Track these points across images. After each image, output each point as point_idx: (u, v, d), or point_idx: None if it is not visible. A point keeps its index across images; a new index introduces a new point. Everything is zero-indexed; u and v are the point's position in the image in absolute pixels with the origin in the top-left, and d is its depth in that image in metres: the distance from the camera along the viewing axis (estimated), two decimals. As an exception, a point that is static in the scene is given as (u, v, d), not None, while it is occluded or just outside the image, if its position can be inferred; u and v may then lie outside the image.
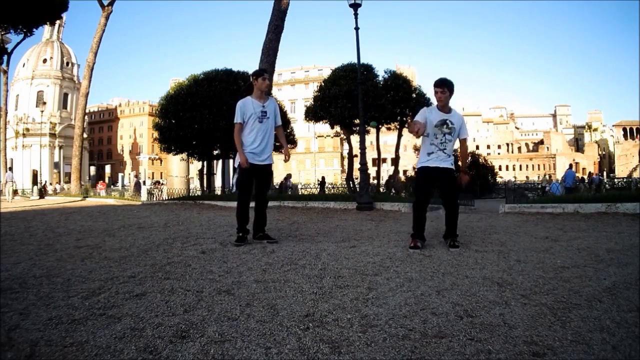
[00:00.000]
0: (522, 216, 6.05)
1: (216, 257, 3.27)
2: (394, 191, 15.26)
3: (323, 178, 23.34)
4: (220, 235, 4.54)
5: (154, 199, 17.71)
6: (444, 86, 3.49)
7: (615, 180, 29.83)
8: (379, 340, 1.60)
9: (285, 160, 4.27)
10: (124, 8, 63.81)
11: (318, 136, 62.78)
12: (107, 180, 42.80)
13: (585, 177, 27.98)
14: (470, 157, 29.26)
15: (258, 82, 3.88)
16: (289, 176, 21.16)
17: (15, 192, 21.42)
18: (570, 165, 21.22)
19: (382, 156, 21.51)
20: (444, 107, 3.53)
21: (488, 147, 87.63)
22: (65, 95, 58.81)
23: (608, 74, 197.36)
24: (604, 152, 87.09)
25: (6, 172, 22.61)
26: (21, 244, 4.08)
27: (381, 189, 17.22)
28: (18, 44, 26.31)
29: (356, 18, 8.73)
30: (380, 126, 15.26)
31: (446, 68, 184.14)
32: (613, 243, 3.58)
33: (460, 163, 3.93)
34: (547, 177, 53.20)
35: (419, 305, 2.01)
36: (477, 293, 2.18)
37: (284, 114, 17.52)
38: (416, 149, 29.31)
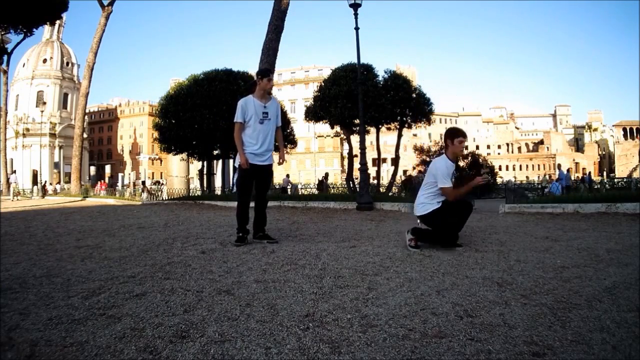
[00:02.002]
0: (522, 216, 6.05)
1: (216, 257, 3.27)
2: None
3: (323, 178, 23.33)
4: (220, 235, 4.54)
5: (153, 198, 17.69)
6: (466, 137, 3.57)
7: (615, 180, 29.86)
8: (379, 340, 1.60)
9: (280, 163, 4.21)
10: (124, 8, 63.89)
11: (318, 136, 62.80)
12: (107, 180, 42.80)
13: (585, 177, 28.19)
14: (470, 157, 29.32)
15: (263, 83, 3.84)
16: (326, 175, 21.42)
17: (18, 192, 21.89)
18: (559, 165, 21.43)
19: (382, 156, 21.49)
20: (456, 157, 3.58)
21: (488, 147, 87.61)
22: (65, 95, 58.82)
23: (608, 74, 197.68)
24: (604, 152, 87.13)
25: (10, 173, 22.99)
26: (21, 244, 4.08)
27: (381, 189, 17.21)
28: (18, 44, 26.32)
29: (356, 18, 8.73)
30: (380, 126, 15.25)
31: (446, 68, 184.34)
32: (613, 243, 3.58)
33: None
34: (547, 177, 53.17)
35: (419, 305, 2.01)
36: (477, 293, 2.18)
37: (284, 114, 17.52)
38: (416, 149, 29.29)
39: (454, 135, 3.48)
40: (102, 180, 39.33)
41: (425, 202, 3.53)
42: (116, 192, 24.63)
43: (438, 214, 3.47)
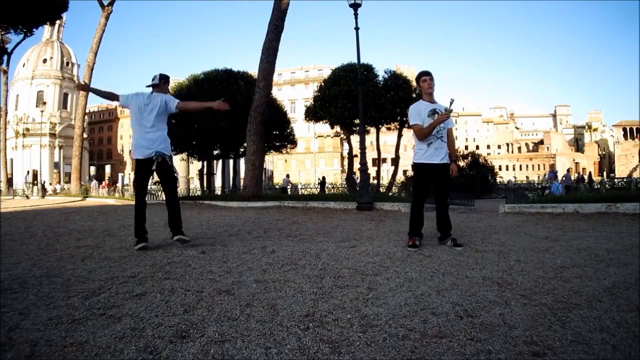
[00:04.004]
0: (522, 216, 6.05)
1: (216, 257, 3.27)
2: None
3: (324, 178, 23.34)
4: (220, 235, 4.54)
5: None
6: (431, 75, 3.68)
7: (615, 180, 29.88)
8: (379, 340, 1.60)
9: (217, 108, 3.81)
10: (124, 8, 63.50)
11: (318, 136, 62.76)
12: (107, 179, 42.80)
13: (585, 176, 28.44)
14: (470, 157, 29.33)
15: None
16: (357, 174, 21.57)
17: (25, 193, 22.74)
18: (551, 166, 21.88)
19: (382, 156, 21.51)
20: (431, 96, 3.69)
21: (488, 147, 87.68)
22: (65, 95, 58.71)
23: (608, 74, 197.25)
24: (604, 152, 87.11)
25: (26, 174, 23.76)
26: (21, 244, 4.08)
27: (381, 189, 17.21)
28: (18, 44, 26.20)
29: (356, 18, 8.73)
30: (380, 126, 15.27)
31: (446, 68, 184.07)
32: (613, 243, 3.58)
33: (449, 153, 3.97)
34: (546, 176, 53.16)
35: (419, 305, 2.01)
36: (477, 293, 2.19)
37: (283, 113, 17.54)
38: (416, 149, 29.26)
39: (419, 77, 3.72)
40: (107, 181, 39.00)
41: (415, 152, 3.74)
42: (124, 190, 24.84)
43: (420, 173, 3.67)
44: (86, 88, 3.73)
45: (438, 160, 3.58)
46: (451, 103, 3.60)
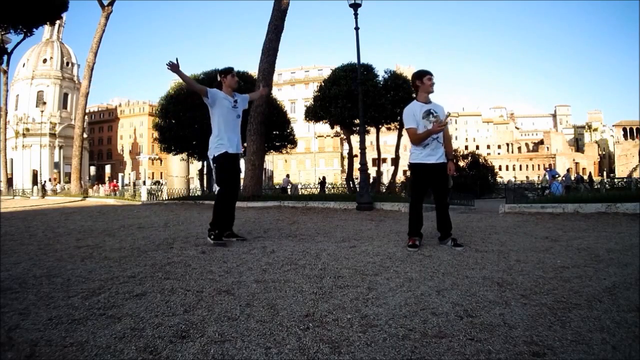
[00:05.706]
0: (522, 216, 6.04)
1: (216, 257, 3.27)
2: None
3: (324, 178, 23.35)
4: (220, 235, 4.53)
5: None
6: (432, 74, 3.64)
7: (615, 180, 29.89)
8: (379, 340, 1.60)
9: (265, 92, 4.70)
10: (124, 8, 63.49)
11: (318, 136, 62.76)
12: (108, 179, 42.82)
13: (585, 176, 28.54)
14: (470, 157, 29.35)
15: (227, 80, 4.03)
16: (370, 176, 21.66)
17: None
18: (550, 166, 21.88)
19: (382, 156, 21.49)
20: (427, 97, 3.65)
21: (488, 147, 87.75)
22: (65, 95, 58.75)
23: (608, 74, 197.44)
24: (604, 152, 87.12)
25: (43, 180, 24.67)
26: (21, 244, 4.08)
27: (381, 189, 17.20)
28: (18, 44, 26.32)
29: (356, 18, 8.73)
30: (380, 126, 15.27)
31: (446, 68, 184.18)
32: (613, 243, 3.58)
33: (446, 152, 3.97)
34: (546, 177, 53.13)
35: (419, 305, 2.01)
36: (477, 293, 2.18)
37: (283, 113, 17.58)
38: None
39: (422, 74, 3.62)
40: (114, 181, 38.91)
41: (411, 152, 3.68)
42: (124, 189, 24.91)
43: (417, 172, 3.64)
44: (176, 67, 3.77)
45: (434, 160, 3.56)
46: (447, 116, 3.62)
